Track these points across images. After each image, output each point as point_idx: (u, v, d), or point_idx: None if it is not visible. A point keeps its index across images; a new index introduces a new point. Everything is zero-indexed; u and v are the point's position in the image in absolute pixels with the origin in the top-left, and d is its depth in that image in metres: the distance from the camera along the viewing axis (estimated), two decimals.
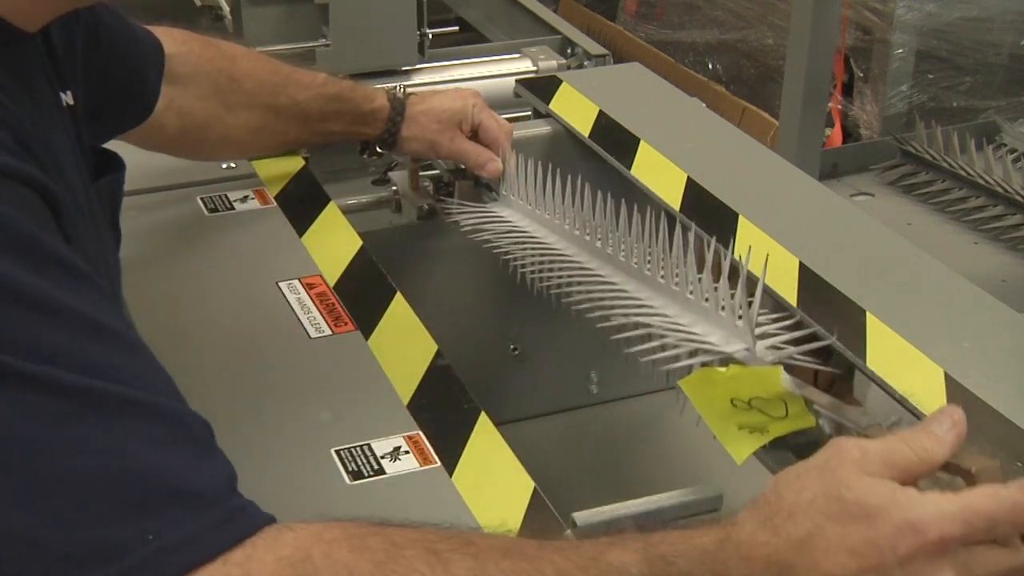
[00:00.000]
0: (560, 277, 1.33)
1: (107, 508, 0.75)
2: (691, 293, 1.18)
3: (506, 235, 1.44)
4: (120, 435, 0.77)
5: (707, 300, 1.15)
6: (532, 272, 1.38)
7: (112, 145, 1.23)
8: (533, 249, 1.40)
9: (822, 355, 1.14)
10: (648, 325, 1.17)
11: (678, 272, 1.21)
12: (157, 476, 0.77)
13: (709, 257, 1.18)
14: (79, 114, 1.05)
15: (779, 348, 1.09)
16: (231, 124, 1.46)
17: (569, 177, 1.44)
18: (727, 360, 1.10)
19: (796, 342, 1.13)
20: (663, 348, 1.16)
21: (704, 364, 1.10)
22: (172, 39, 1.40)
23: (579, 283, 1.31)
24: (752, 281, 1.14)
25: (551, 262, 1.36)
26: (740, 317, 1.11)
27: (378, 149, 1.58)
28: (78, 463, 0.75)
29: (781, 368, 0.99)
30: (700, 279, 1.17)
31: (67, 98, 1.02)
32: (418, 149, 1.57)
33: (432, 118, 1.54)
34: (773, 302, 1.20)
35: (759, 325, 1.12)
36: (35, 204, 0.81)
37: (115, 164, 1.16)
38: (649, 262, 1.25)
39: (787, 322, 1.15)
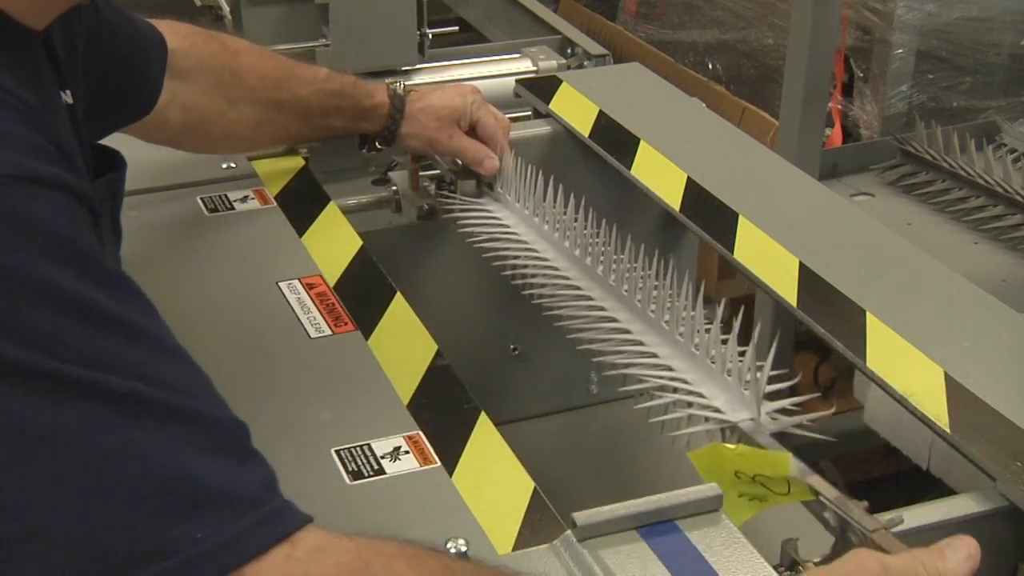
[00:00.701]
0: (554, 299, 1.34)
1: (154, 510, 0.77)
2: (696, 347, 1.18)
3: (503, 240, 1.44)
4: (165, 440, 0.78)
5: (713, 360, 1.15)
6: (527, 287, 1.39)
7: (114, 140, 1.23)
8: (529, 260, 1.40)
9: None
10: (651, 378, 1.17)
11: (683, 321, 1.20)
12: (202, 479, 0.79)
13: (719, 311, 1.18)
14: (78, 113, 1.05)
15: (781, 416, 1.09)
16: (233, 119, 1.47)
17: (571, 190, 1.44)
18: (730, 425, 1.10)
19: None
20: (661, 398, 1.16)
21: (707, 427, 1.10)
22: (175, 33, 1.40)
23: (573, 310, 1.31)
24: (746, 327, 1.14)
25: (548, 282, 1.36)
26: (747, 385, 1.11)
27: (377, 145, 1.58)
28: (126, 467, 0.76)
29: (791, 456, 0.99)
30: (706, 329, 1.17)
31: (66, 97, 1.02)
32: (416, 145, 1.57)
33: (431, 116, 1.54)
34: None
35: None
36: (76, 211, 0.82)
37: (116, 162, 1.16)
38: (654, 304, 1.24)
39: (788, 382, 1.14)
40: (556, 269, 1.37)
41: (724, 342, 1.14)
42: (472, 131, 1.57)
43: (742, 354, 1.13)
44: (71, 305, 0.77)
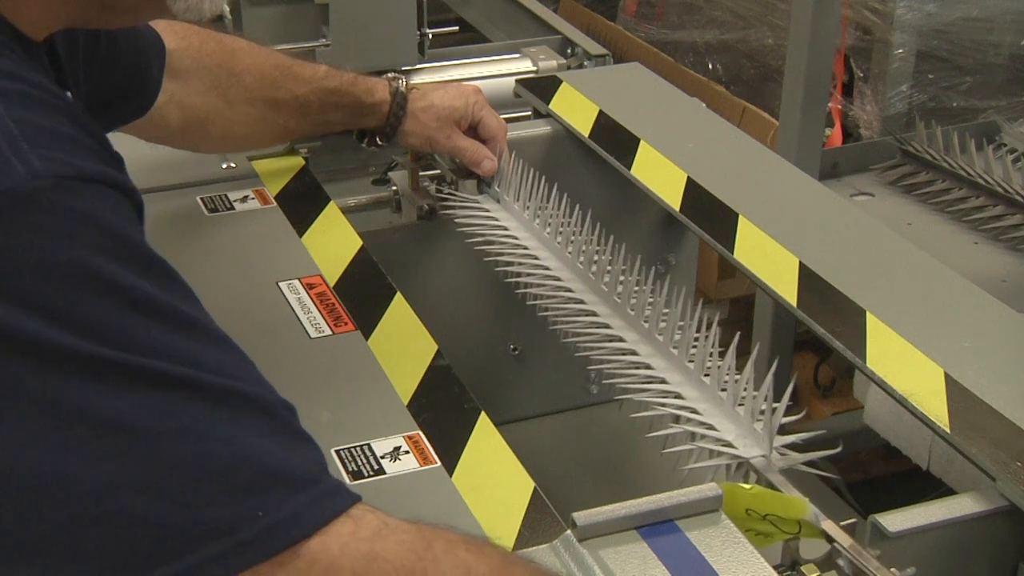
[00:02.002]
0: (559, 314, 1.34)
1: (218, 490, 0.80)
2: (706, 375, 1.17)
3: (503, 246, 1.44)
4: (225, 423, 0.82)
5: (723, 391, 1.14)
6: (530, 298, 1.39)
7: (114, 139, 1.23)
8: (531, 271, 1.40)
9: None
10: (661, 407, 1.16)
11: (695, 346, 1.20)
12: (261, 460, 0.82)
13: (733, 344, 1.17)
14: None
15: (791, 452, 1.09)
16: (232, 118, 1.47)
17: (571, 190, 1.44)
18: (740, 461, 1.10)
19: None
20: (670, 426, 1.15)
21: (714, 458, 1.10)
22: (173, 33, 1.40)
23: (579, 327, 1.31)
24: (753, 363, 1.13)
25: (552, 294, 1.36)
26: (758, 418, 1.10)
27: (377, 140, 1.58)
28: (190, 449, 0.80)
29: (808, 502, 0.99)
30: (714, 355, 1.17)
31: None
32: (415, 143, 1.58)
33: (432, 115, 1.55)
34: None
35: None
36: (126, 207, 0.85)
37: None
38: (663, 323, 1.24)
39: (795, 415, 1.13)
40: (559, 280, 1.37)
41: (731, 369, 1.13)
42: (473, 131, 1.57)
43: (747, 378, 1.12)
44: (130, 297, 0.80)
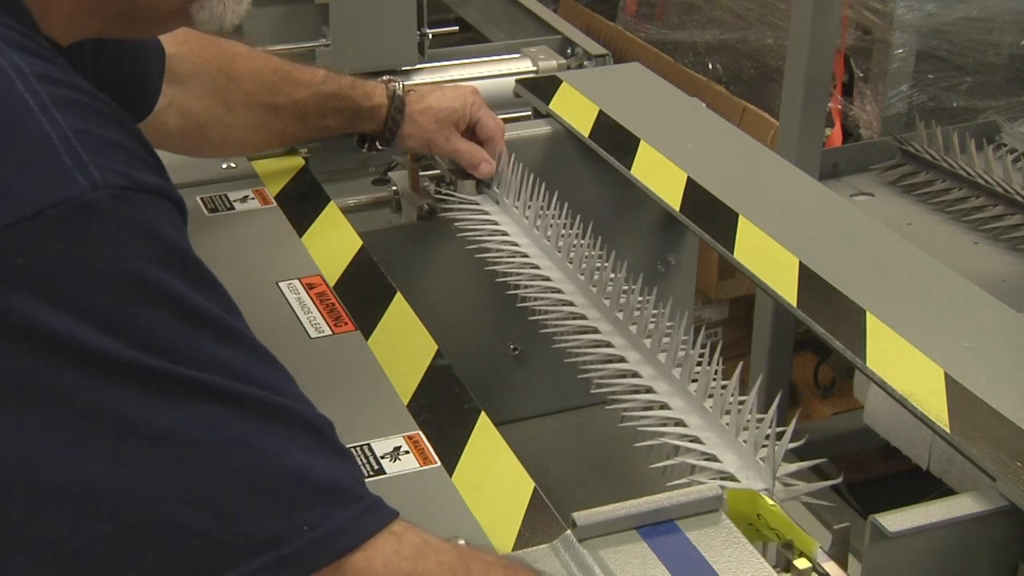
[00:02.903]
0: (560, 329, 1.34)
1: (265, 503, 0.80)
2: (709, 402, 1.16)
3: (501, 252, 1.44)
4: (273, 438, 0.82)
5: (727, 421, 1.14)
6: (528, 306, 1.39)
7: None
8: (528, 277, 1.40)
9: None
10: (664, 436, 1.16)
11: (697, 371, 1.19)
12: (307, 475, 0.83)
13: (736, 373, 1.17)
14: None
15: (793, 481, 1.08)
16: (231, 123, 1.47)
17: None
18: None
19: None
20: (674, 454, 1.15)
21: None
22: (172, 38, 1.40)
23: (580, 346, 1.30)
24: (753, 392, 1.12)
25: (550, 307, 1.36)
26: (760, 447, 1.10)
27: (377, 144, 1.58)
28: (238, 463, 0.80)
29: (817, 544, 0.99)
30: (717, 378, 1.16)
31: None
32: (414, 146, 1.58)
33: (430, 118, 1.55)
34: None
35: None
36: (178, 218, 0.86)
37: None
38: (665, 341, 1.24)
39: (794, 444, 1.11)
40: (560, 293, 1.37)
41: (736, 399, 1.13)
42: (471, 132, 1.57)
43: (750, 403, 1.12)
44: (184, 310, 0.81)
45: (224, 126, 1.47)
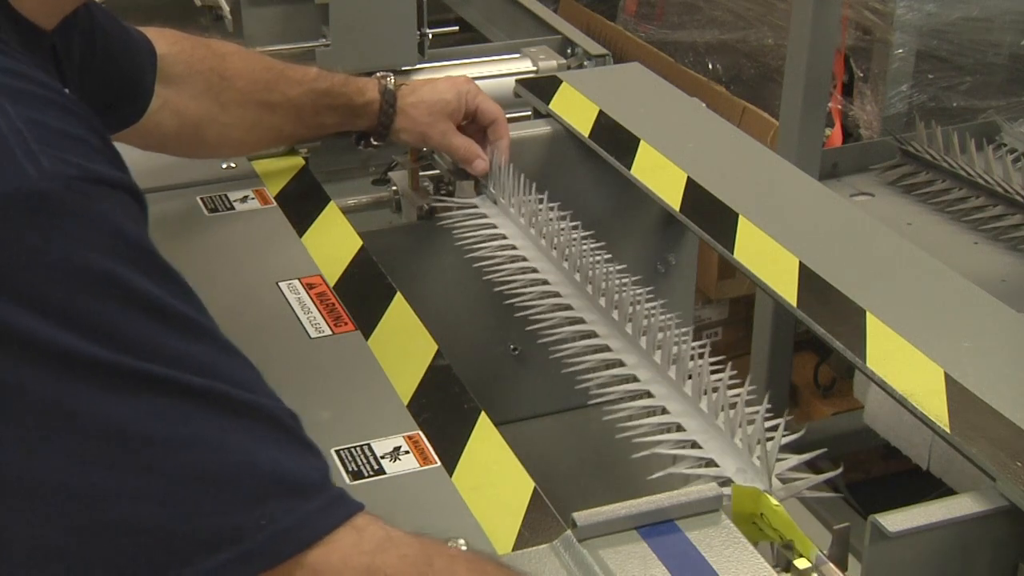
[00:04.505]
0: (556, 335, 1.34)
1: (225, 498, 0.80)
2: (704, 403, 1.16)
3: (499, 259, 1.44)
4: (235, 433, 0.82)
5: (722, 422, 1.14)
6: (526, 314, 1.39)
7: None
8: (525, 282, 1.40)
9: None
10: (661, 442, 1.16)
11: (692, 374, 1.19)
12: (268, 469, 0.82)
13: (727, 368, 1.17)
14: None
15: (792, 476, 1.08)
16: (226, 122, 1.47)
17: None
18: None
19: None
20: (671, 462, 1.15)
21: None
22: (163, 39, 1.40)
23: (577, 349, 1.30)
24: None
25: (547, 313, 1.36)
26: (757, 454, 1.09)
27: (373, 141, 1.58)
28: (199, 457, 0.80)
29: (815, 548, 0.99)
30: (713, 385, 1.16)
31: None
32: (409, 140, 1.57)
33: (423, 110, 1.54)
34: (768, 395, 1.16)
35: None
36: (136, 211, 0.85)
37: None
38: (660, 343, 1.24)
39: (788, 436, 1.11)
40: (558, 297, 1.37)
41: (733, 403, 1.13)
42: (473, 122, 1.56)
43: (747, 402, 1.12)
44: (143, 303, 0.80)
45: (219, 125, 1.47)
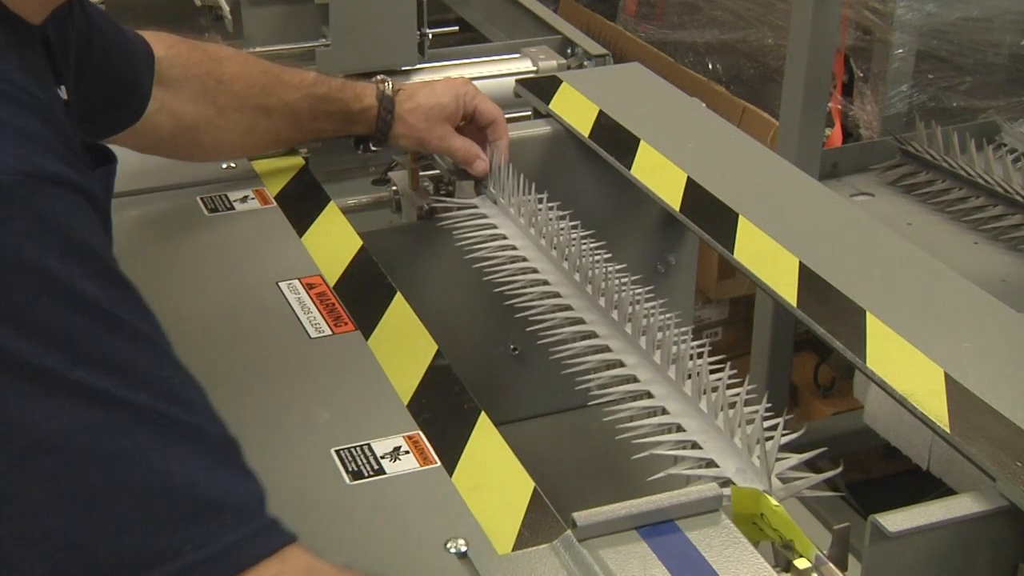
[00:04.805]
0: (556, 336, 1.33)
1: (152, 519, 0.78)
2: (703, 402, 1.17)
3: (499, 259, 1.44)
4: (170, 449, 0.80)
5: (722, 422, 1.14)
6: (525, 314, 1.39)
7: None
8: (525, 283, 1.40)
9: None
10: (662, 442, 1.16)
11: (691, 373, 1.19)
12: (198, 491, 0.80)
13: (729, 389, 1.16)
14: (73, 109, 1.05)
15: (792, 475, 1.09)
16: (222, 126, 1.47)
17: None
18: None
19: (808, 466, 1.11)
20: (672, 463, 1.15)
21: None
22: (160, 42, 1.40)
23: (577, 350, 1.30)
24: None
25: (547, 313, 1.36)
26: (756, 454, 1.09)
27: (372, 146, 1.57)
28: (131, 473, 0.78)
29: (814, 547, 0.99)
30: (712, 386, 1.16)
31: (62, 93, 1.02)
32: (407, 145, 1.57)
33: (420, 116, 1.53)
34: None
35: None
36: (88, 212, 0.83)
37: (107, 156, 1.15)
38: (659, 345, 1.24)
39: (788, 436, 1.11)
40: (558, 297, 1.36)
41: (732, 404, 1.13)
42: (471, 122, 1.56)
43: (746, 402, 1.12)
44: (83, 305, 0.78)
45: (215, 129, 1.46)
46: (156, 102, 1.39)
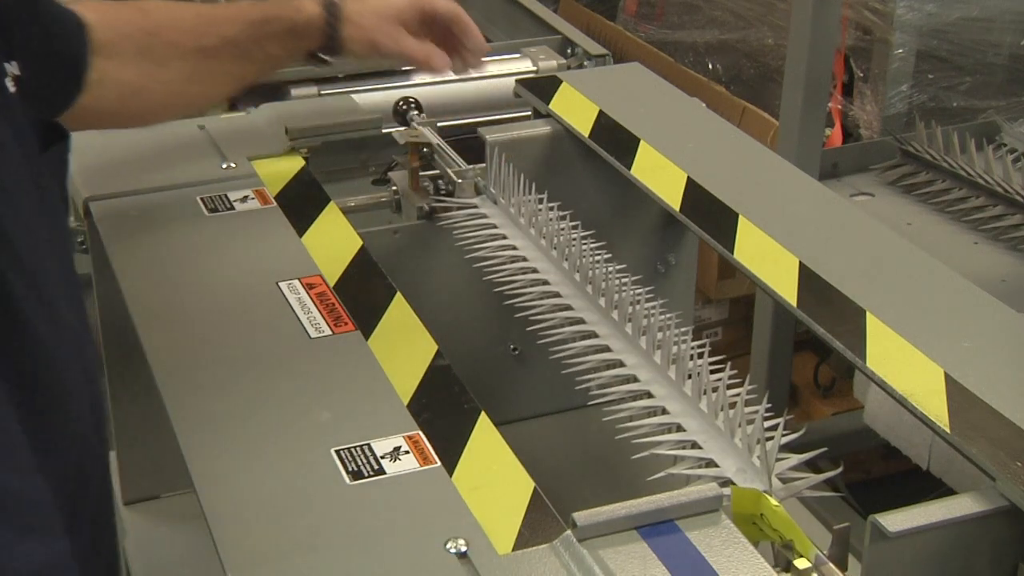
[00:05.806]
0: (557, 336, 1.34)
1: None
2: (703, 402, 1.17)
3: (499, 259, 1.44)
4: None
5: (722, 422, 1.14)
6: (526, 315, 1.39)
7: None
8: (525, 283, 1.40)
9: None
10: (662, 443, 1.16)
11: (691, 372, 1.19)
12: None
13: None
14: (26, 85, 1.02)
15: (792, 476, 1.09)
16: (166, 79, 1.40)
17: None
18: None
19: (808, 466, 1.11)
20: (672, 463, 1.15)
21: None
22: (89, 10, 1.34)
23: (578, 349, 1.30)
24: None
25: (547, 313, 1.36)
26: (757, 454, 1.09)
27: (324, 57, 1.50)
28: None
29: (814, 547, 0.99)
30: (712, 385, 1.16)
31: (12, 68, 0.99)
32: (361, 51, 1.49)
33: (371, 15, 1.46)
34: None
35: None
36: None
37: (60, 133, 1.13)
38: (659, 345, 1.24)
39: (788, 436, 1.11)
40: (559, 297, 1.36)
41: (731, 401, 1.13)
42: (432, 26, 1.51)
43: (745, 399, 1.12)
44: None
45: (161, 84, 1.39)
46: (97, 71, 1.32)
